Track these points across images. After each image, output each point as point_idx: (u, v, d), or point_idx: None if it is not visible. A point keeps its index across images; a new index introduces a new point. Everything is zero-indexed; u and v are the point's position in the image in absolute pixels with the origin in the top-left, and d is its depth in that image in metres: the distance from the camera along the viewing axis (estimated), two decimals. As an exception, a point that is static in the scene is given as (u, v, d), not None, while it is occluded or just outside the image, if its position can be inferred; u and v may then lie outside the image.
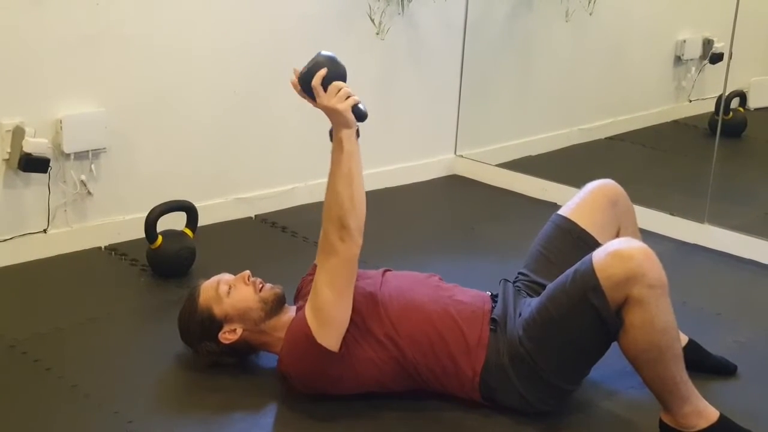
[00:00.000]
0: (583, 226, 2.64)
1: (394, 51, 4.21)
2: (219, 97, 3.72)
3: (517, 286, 2.63)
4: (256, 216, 3.86)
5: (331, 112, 2.37)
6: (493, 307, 2.52)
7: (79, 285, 3.24)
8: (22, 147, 3.18)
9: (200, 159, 3.71)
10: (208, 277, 2.63)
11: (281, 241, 3.68)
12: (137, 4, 3.42)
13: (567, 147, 4.82)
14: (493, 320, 2.47)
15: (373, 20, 4.09)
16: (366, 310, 2.47)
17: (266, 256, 3.46)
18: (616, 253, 2.28)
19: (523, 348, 2.39)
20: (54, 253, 3.37)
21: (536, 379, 2.40)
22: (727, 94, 4.23)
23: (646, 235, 2.78)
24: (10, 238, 3.29)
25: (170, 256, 3.24)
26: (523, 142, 4.71)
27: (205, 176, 3.72)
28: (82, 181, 3.41)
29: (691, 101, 5.14)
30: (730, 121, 4.45)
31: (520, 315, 2.46)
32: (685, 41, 5.03)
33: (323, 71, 2.39)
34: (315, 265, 2.68)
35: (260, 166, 3.89)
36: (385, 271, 2.67)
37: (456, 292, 2.58)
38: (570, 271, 2.36)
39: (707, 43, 4.97)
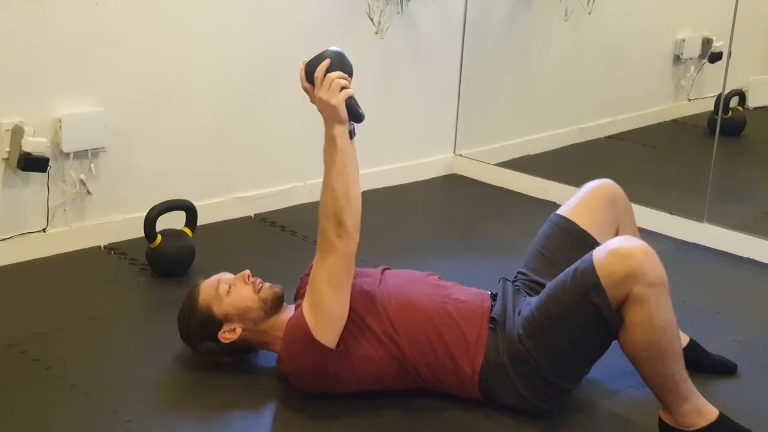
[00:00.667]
0: (582, 226, 2.64)
1: (394, 50, 4.21)
2: (218, 97, 3.72)
3: (517, 285, 2.63)
4: (255, 215, 3.87)
5: (324, 106, 2.37)
6: (492, 306, 2.52)
7: (78, 284, 3.24)
8: (21, 146, 3.18)
9: (199, 158, 3.71)
10: (208, 277, 2.63)
11: (280, 240, 3.68)
12: (136, 4, 3.42)
13: (566, 146, 4.82)
14: (492, 319, 2.47)
15: (372, 19, 4.09)
16: (365, 309, 2.47)
17: (265, 255, 3.46)
18: (617, 252, 2.28)
19: (523, 346, 2.39)
20: (53, 253, 3.37)
21: (536, 377, 2.40)
22: (726, 93, 4.23)
23: (646, 234, 2.78)
24: (10, 238, 3.29)
25: (169, 255, 3.25)
26: (522, 141, 4.71)
27: (204, 175, 3.72)
28: (81, 180, 3.41)
29: (690, 100, 5.14)
30: (729, 120, 4.45)
31: (519, 314, 2.46)
32: (684, 40, 5.03)
33: (326, 62, 2.39)
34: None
35: (259, 165, 3.89)
36: (384, 269, 2.68)
37: (455, 291, 2.58)
38: (570, 269, 2.36)
39: (706, 42, 4.97)
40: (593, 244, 2.52)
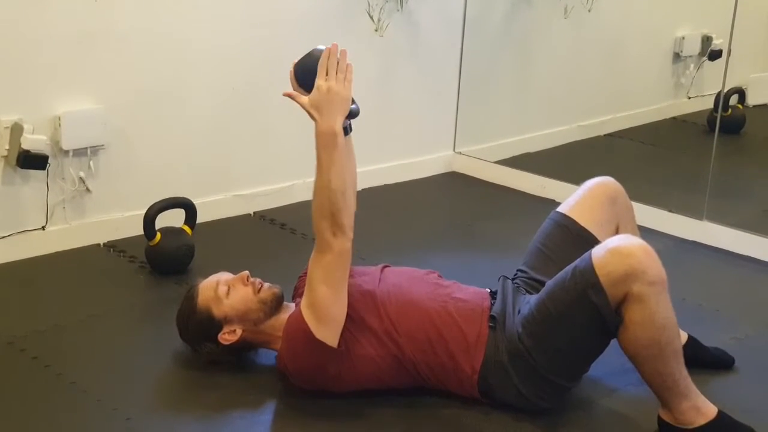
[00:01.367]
0: (582, 224, 2.64)
1: (393, 48, 4.21)
2: (218, 94, 3.71)
3: (516, 283, 2.63)
4: (254, 213, 3.86)
5: (335, 99, 2.32)
6: (492, 305, 2.52)
7: (77, 282, 3.24)
8: (20, 144, 3.18)
9: (199, 156, 3.71)
10: (207, 275, 2.63)
11: (280, 237, 3.67)
12: (136, 1, 3.42)
13: (566, 144, 4.82)
14: (492, 317, 2.47)
15: (371, 17, 4.09)
16: (364, 308, 2.47)
17: (265, 253, 3.46)
18: (616, 250, 2.28)
19: (522, 345, 2.39)
20: (52, 250, 3.37)
21: (535, 376, 2.40)
22: (725, 91, 4.22)
23: (645, 232, 2.78)
24: (9, 235, 3.29)
25: (169, 253, 3.24)
26: (522, 139, 4.71)
27: (204, 173, 3.72)
28: (80, 178, 3.40)
29: (689, 98, 5.13)
30: (728, 118, 4.44)
31: (519, 312, 2.46)
32: (683, 38, 5.03)
33: (327, 52, 2.38)
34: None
35: (259, 162, 3.89)
36: (384, 267, 2.67)
37: (455, 290, 2.57)
38: (569, 268, 2.35)
39: (706, 40, 4.96)
40: (593, 241, 2.52)
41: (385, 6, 4.11)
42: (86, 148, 3.39)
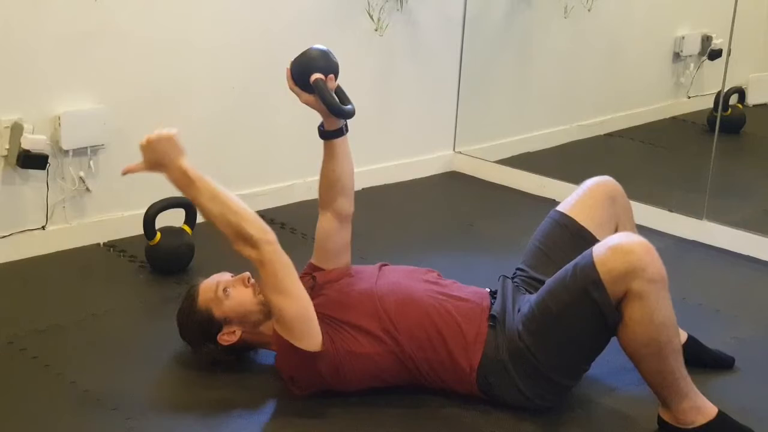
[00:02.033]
0: (581, 223, 2.64)
1: (393, 47, 4.21)
2: (217, 94, 3.71)
3: (516, 282, 2.63)
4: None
5: (155, 146, 2.40)
6: (491, 304, 2.52)
7: (77, 281, 3.24)
8: (20, 143, 3.18)
9: (198, 155, 3.65)
10: (207, 275, 2.63)
11: (280, 237, 3.60)
12: (135, 1, 3.42)
13: (566, 143, 4.82)
14: (492, 316, 2.47)
15: (371, 16, 4.09)
16: (362, 306, 2.47)
17: (265, 252, 3.45)
18: (617, 248, 2.28)
19: (523, 343, 2.39)
20: (52, 250, 3.37)
21: (535, 374, 2.40)
22: (725, 90, 4.22)
23: (645, 232, 2.78)
24: (9, 235, 3.29)
25: (169, 253, 3.24)
26: (521, 139, 4.70)
27: (203, 172, 3.70)
28: (80, 177, 3.40)
29: (689, 97, 5.13)
30: (728, 118, 4.44)
31: (519, 311, 2.46)
32: (683, 37, 5.03)
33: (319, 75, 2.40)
34: (311, 264, 2.69)
35: (258, 162, 3.88)
36: (382, 265, 2.68)
37: (454, 289, 2.58)
38: (570, 266, 2.36)
39: (706, 40, 4.96)
40: (592, 241, 2.52)
41: (384, 5, 4.11)
42: (86, 147, 3.39)
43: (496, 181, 4.41)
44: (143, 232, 3.23)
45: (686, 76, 5.11)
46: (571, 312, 2.33)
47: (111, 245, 3.48)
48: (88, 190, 3.44)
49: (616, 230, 2.66)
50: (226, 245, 3.50)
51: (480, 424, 2.44)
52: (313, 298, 2.45)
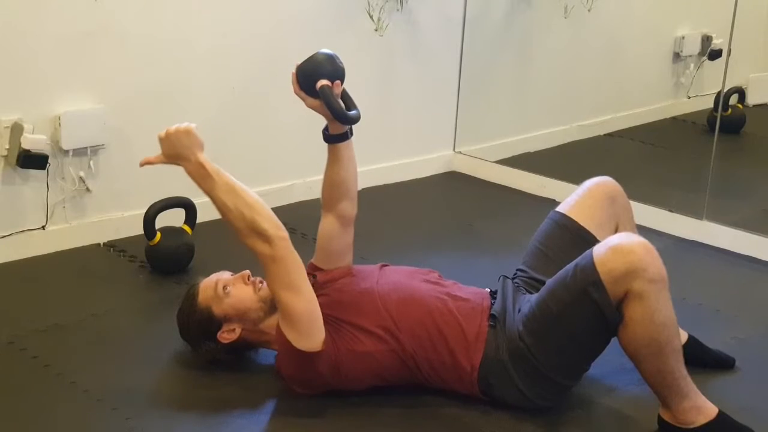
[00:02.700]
0: (581, 223, 2.65)
1: (393, 47, 4.21)
2: (217, 94, 3.71)
3: (516, 283, 2.63)
4: (254, 212, 3.86)
5: (174, 139, 2.43)
6: (492, 304, 2.52)
7: (77, 281, 3.24)
8: (20, 143, 3.18)
9: (199, 155, 3.70)
10: (207, 274, 2.63)
11: None
12: (136, 1, 3.42)
13: (566, 143, 4.82)
14: (492, 316, 2.47)
15: (371, 17, 4.09)
16: (364, 306, 2.47)
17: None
18: (617, 248, 2.28)
19: (523, 343, 2.39)
20: (52, 250, 3.37)
21: (536, 374, 2.40)
22: (725, 90, 4.22)
23: (645, 232, 2.78)
24: (9, 235, 3.29)
25: (169, 253, 3.25)
26: (521, 139, 4.70)
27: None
28: (80, 177, 3.41)
29: (689, 98, 5.13)
30: (728, 118, 4.44)
31: (519, 311, 2.46)
32: (683, 38, 5.03)
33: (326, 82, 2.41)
34: (311, 264, 2.69)
35: (258, 162, 3.88)
36: (383, 266, 2.68)
37: (455, 289, 2.58)
38: (570, 266, 2.36)
39: (706, 40, 4.96)
40: (592, 241, 2.52)
41: (385, 6, 4.11)
42: (86, 147, 3.39)
43: (496, 181, 4.41)
44: (143, 232, 3.23)
45: (686, 76, 5.11)
46: (571, 312, 2.33)
47: (111, 245, 3.48)
48: (88, 190, 3.44)
49: (616, 230, 2.66)
50: (227, 242, 3.52)
51: (480, 424, 2.44)
52: (313, 298, 2.45)
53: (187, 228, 3.32)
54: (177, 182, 3.54)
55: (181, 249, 3.26)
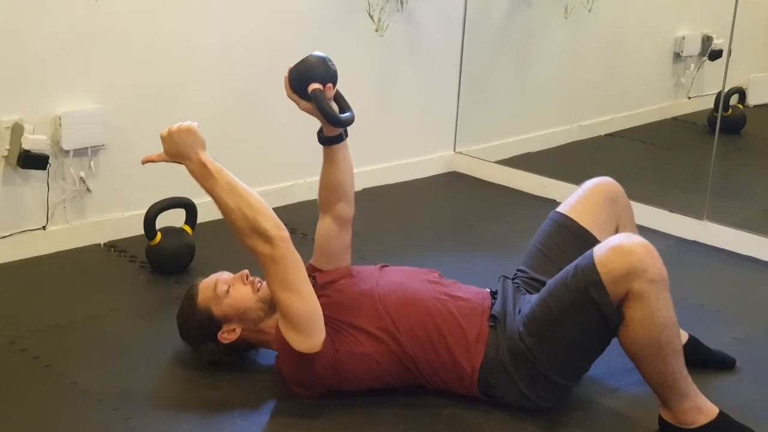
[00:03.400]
0: (581, 224, 2.64)
1: (394, 48, 4.21)
2: (218, 94, 3.71)
3: (516, 283, 2.63)
4: (255, 213, 3.86)
5: (176, 138, 2.44)
6: (492, 304, 2.52)
7: (78, 282, 3.24)
8: (21, 144, 3.18)
9: (199, 156, 3.70)
10: (208, 275, 2.63)
11: None
12: (136, 1, 3.42)
13: (566, 144, 4.82)
14: (492, 317, 2.47)
15: (372, 17, 4.09)
16: (364, 307, 2.47)
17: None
18: (618, 248, 2.28)
19: (524, 344, 2.39)
20: (53, 250, 3.37)
21: (536, 375, 2.40)
22: (726, 90, 4.22)
23: (645, 232, 2.78)
24: (9, 235, 3.29)
25: (169, 253, 3.25)
26: (522, 139, 4.71)
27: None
28: (81, 177, 3.41)
29: (690, 98, 5.13)
30: (729, 118, 4.44)
31: (519, 312, 2.46)
32: (684, 38, 5.03)
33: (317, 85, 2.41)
34: (310, 265, 2.69)
35: (259, 162, 3.88)
36: (383, 266, 2.68)
37: (455, 289, 2.58)
38: (570, 266, 2.36)
39: (706, 40, 4.96)
40: (593, 241, 2.52)
41: (385, 6, 4.11)
42: (87, 147, 3.39)
43: (496, 182, 4.41)
44: (144, 233, 3.23)
45: (687, 77, 5.11)
46: (571, 313, 2.33)
47: (111, 245, 3.48)
48: (88, 190, 3.44)
49: (616, 231, 2.65)
50: (227, 243, 3.52)
51: (481, 424, 2.44)
52: (313, 300, 2.44)
53: (187, 228, 3.32)
54: (177, 182, 3.55)
55: (181, 249, 3.26)
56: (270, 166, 3.93)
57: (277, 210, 3.94)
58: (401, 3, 4.16)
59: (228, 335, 2.53)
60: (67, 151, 3.34)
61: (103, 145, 3.43)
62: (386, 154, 4.28)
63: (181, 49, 3.57)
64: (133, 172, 3.52)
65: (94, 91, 3.38)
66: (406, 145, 4.38)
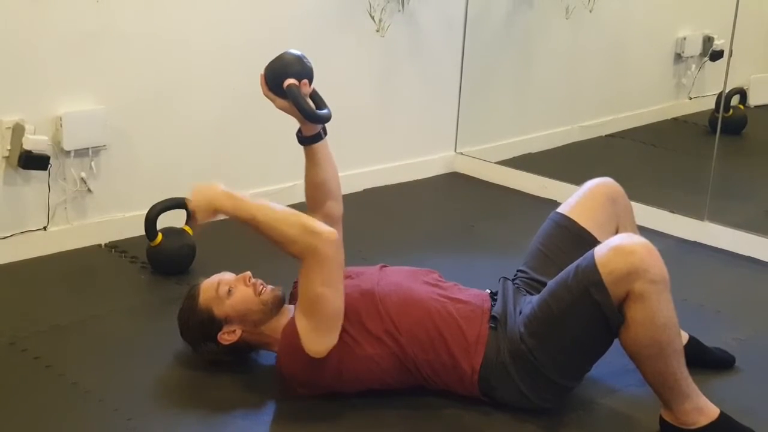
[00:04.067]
0: (582, 224, 2.64)
1: (395, 48, 4.21)
2: (219, 94, 3.72)
3: (517, 284, 2.63)
4: (256, 213, 3.86)
5: (201, 195, 2.41)
6: (492, 306, 2.52)
7: (79, 282, 3.24)
8: (22, 144, 3.18)
9: (200, 156, 3.71)
10: (208, 275, 2.63)
11: None
12: (137, 1, 3.42)
13: (567, 144, 4.82)
14: (493, 317, 2.47)
15: (373, 17, 4.09)
16: (364, 309, 2.47)
17: (266, 253, 3.41)
18: (619, 248, 2.28)
19: (524, 345, 2.39)
20: (54, 251, 3.37)
21: (537, 375, 2.40)
22: (727, 91, 4.22)
23: (646, 233, 2.78)
24: (11, 236, 3.29)
25: (170, 254, 3.25)
26: (523, 140, 4.71)
27: (205, 173, 3.71)
28: (82, 178, 3.41)
29: (691, 98, 5.14)
30: (730, 119, 4.45)
31: (520, 313, 2.46)
32: (685, 38, 5.03)
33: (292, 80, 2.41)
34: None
35: (260, 162, 3.89)
36: (382, 266, 2.67)
37: (455, 291, 2.58)
38: (571, 267, 2.36)
39: (707, 41, 4.97)
40: (593, 242, 2.52)
41: (386, 6, 4.11)
42: (87, 148, 3.39)
43: (497, 182, 4.41)
44: (145, 233, 3.23)
45: (688, 77, 5.12)
46: (573, 313, 2.33)
47: (112, 246, 3.48)
48: (89, 190, 3.44)
49: (616, 231, 2.65)
50: (228, 243, 3.52)
51: (481, 424, 2.44)
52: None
53: (188, 229, 3.32)
54: (178, 183, 3.56)
55: (182, 250, 3.26)
56: (271, 167, 3.93)
57: (277, 210, 3.95)
58: (402, 3, 4.16)
59: (228, 336, 2.53)
60: (68, 152, 3.34)
61: (104, 145, 3.43)
62: (387, 154, 4.28)
63: (181, 50, 3.57)
64: (134, 172, 3.54)
65: (95, 91, 3.38)
66: (406, 145, 4.38)
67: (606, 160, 4.61)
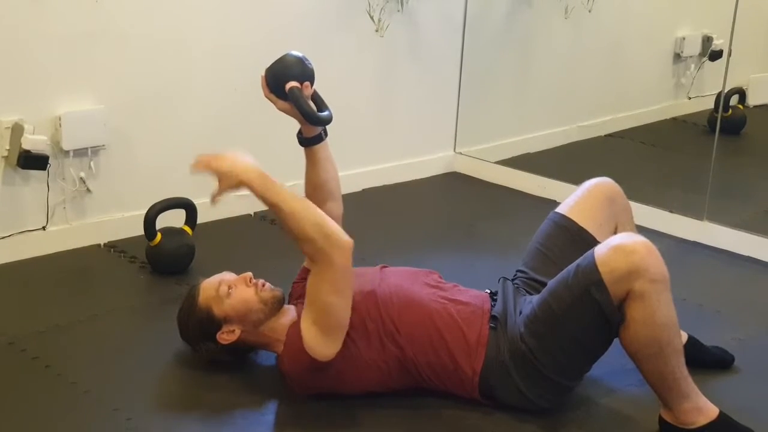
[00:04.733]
0: (581, 224, 2.65)
1: (394, 48, 4.21)
2: (218, 94, 3.71)
3: (516, 284, 2.63)
4: (255, 213, 3.86)
5: (227, 164, 2.45)
6: (492, 306, 2.52)
7: (78, 282, 3.24)
8: (21, 144, 3.18)
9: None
10: (207, 275, 2.63)
11: (280, 238, 3.62)
12: (136, 1, 3.42)
13: (566, 144, 4.82)
14: (493, 318, 2.47)
15: (372, 17, 4.09)
16: (365, 310, 2.46)
17: (265, 253, 3.45)
18: (619, 248, 2.28)
19: (525, 345, 2.39)
20: (53, 251, 3.37)
21: (537, 375, 2.40)
22: (726, 91, 4.22)
23: (646, 233, 2.77)
24: (9, 236, 3.29)
25: (169, 254, 3.24)
26: (522, 140, 4.71)
27: (205, 173, 3.71)
28: (81, 178, 3.41)
29: (690, 98, 5.14)
30: (729, 119, 4.45)
31: (520, 313, 2.46)
32: (684, 38, 5.03)
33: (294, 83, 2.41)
34: (304, 268, 2.68)
35: (261, 163, 3.87)
36: (383, 267, 2.67)
37: (455, 293, 2.57)
38: (572, 266, 2.36)
39: (706, 40, 4.97)
40: (592, 242, 2.52)
41: (385, 6, 4.11)
42: (87, 148, 3.39)
43: (496, 182, 4.41)
44: (144, 233, 3.23)
45: (687, 77, 5.12)
46: (573, 313, 2.33)
47: (111, 246, 3.48)
48: (88, 190, 3.44)
49: (615, 231, 2.66)
50: (227, 243, 3.52)
51: (482, 424, 2.44)
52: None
53: (187, 229, 3.32)
54: (177, 183, 3.56)
55: (181, 250, 3.26)
56: (272, 167, 3.87)
57: (277, 210, 3.94)
58: (401, 3, 4.16)
59: (227, 336, 2.53)
60: (67, 152, 3.34)
61: (103, 145, 3.43)
62: (386, 154, 4.28)
63: (181, 50, 3.57)
64: (133, 172, 3.54)
65: (94, 91, 3.38)
66: (406, 145, 4.38)
67: (605, 160, 4.61)
